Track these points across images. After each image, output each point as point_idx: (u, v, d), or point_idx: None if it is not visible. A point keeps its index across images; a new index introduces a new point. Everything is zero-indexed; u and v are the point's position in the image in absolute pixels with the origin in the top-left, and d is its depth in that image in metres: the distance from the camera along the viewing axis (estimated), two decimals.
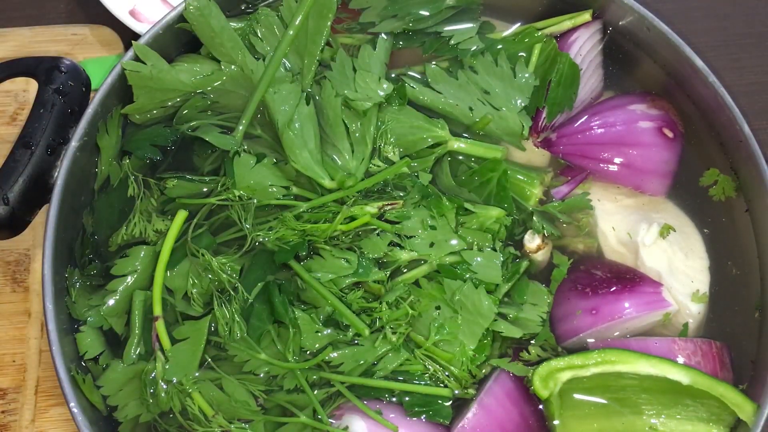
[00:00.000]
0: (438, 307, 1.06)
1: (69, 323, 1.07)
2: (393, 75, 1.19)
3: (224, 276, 1.06)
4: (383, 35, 1.19)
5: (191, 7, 1.12)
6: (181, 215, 1.09)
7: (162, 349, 1.05)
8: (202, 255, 1.06)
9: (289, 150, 1.11)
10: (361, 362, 1.05)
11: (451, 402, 1.06)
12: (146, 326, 1.06)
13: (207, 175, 1.13)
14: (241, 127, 1.13)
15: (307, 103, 1.13)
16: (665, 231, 1.15)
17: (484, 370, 1.07)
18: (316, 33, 1.15)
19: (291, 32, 1.14)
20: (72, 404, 1.00)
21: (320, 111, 1.15)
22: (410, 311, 1.05)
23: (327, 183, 1.11)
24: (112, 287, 1.07)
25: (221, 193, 1.10)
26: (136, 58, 1.12)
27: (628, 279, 1.12)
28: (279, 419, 1.04)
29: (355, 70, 1.15)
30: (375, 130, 1.13)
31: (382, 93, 1.13)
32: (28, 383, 1.25)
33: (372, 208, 1.08)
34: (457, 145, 1.15)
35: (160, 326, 1.05)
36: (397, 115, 1.14)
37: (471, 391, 1.06)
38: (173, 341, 1.05)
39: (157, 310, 1.05)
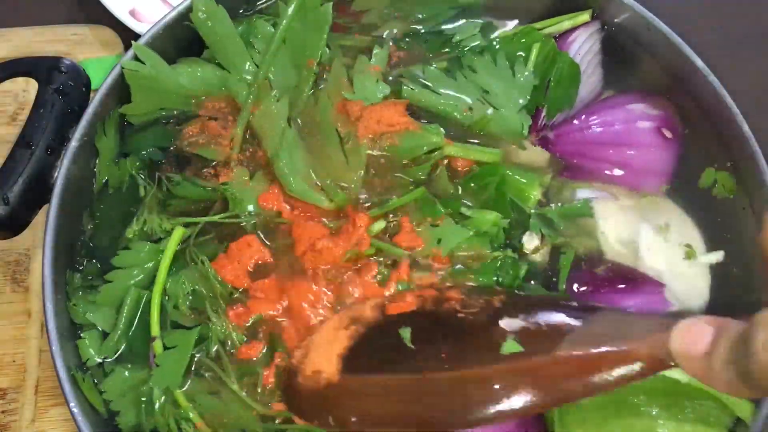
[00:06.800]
0: None
1: (69, 324, 1.07)
2: (392, 76, 1.19)
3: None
4: (384, 36, 1.19)
5: (199, 12, 1.12)
6: (178, 232, 1.08)
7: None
8: (202, 263, 1.06)
9: (283, 179, 1.10)
10: None
11: None
12: (137, 327, 1.06)
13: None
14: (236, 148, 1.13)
15: (290, 125, 1.11)
16: (665, 231, 1.15)
17: None
18: (314, 46, 1.15)
19: (270, 54, 1.14)
20: (72, 404, 1.00)
21: (313, 124, 1.14)
22: None
23: (326, 205, 1.11)
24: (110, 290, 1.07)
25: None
26: (136, 58, 1.11)
27: (629, 279, 1.12)
28: (279, 427, 1.03)
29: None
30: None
31: (380, 95, 1.13)
32: (28, 383, 1.25)
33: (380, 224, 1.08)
34: (453, 150, 1.14)
35: (157, 346, 1.04)
36: None
37: None
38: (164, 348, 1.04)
39: (155, 330, 1.04)
